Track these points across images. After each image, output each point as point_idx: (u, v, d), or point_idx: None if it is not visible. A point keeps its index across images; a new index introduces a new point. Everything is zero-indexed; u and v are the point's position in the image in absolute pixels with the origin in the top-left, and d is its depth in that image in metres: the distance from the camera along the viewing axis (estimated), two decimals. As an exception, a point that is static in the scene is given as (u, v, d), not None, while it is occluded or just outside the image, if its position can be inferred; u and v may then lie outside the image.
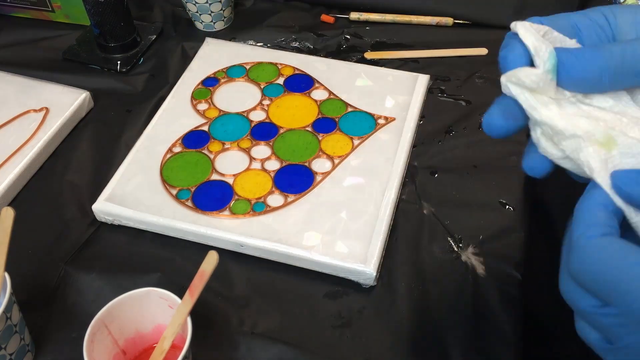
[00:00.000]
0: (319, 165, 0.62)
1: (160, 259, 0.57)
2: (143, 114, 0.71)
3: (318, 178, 0.61)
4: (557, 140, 0.33)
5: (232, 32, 0.82)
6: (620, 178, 0.31)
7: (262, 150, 0.64)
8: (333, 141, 0.64)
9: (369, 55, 0.77)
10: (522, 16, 0.78)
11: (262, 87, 0.70)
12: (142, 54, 0.78)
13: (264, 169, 0.62)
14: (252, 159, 0.63)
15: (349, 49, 0.78)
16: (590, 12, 0.35)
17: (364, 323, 0.52)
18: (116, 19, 0.74)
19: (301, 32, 0.81)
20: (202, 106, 0.68)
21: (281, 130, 0.65)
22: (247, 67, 0.73)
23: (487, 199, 0.60)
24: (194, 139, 0.65)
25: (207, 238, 0.57)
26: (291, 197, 0.59)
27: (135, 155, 0.64)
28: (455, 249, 0.57)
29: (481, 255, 0.56)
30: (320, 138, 0.65)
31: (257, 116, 0.67)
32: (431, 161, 0.64)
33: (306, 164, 0.62)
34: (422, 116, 0.69)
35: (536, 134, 0.34)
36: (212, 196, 0.59)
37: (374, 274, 0.53)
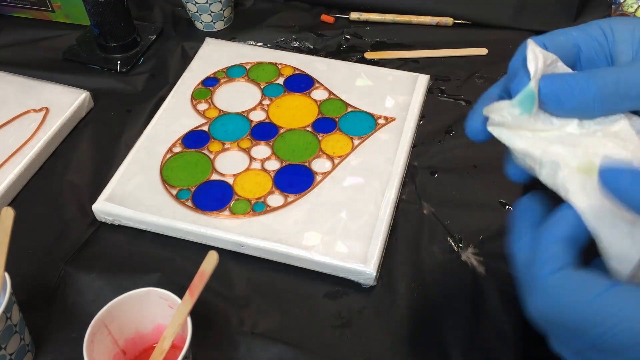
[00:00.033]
0: (319, 165, 0.62)
1: (160, 259, 0.57)
2: (143, 114, 0.71)
3: (318, 178, 0.61)
4: (535, 167, 0.34)
5: (232, 32, 0.82)
6: (609, 171, 0.30)
7: (262, 150, 0.64)
8: (333, 141, 0.64)
9: (369, 55, 0.77)
10: (522, 16, 0.79)
11: (262, 87, 0.70)
12: (142, 54, 0.78)
13: (264, 169, 0.62)
14: (252, 159, 0.63)
15: (349, 49, 0.78)
16: (588, 27, 0.36)
17: (364, 323, 0.52)
18: (116, 19, 0.74)
19: (301, 32, 0.81)
20: (202, 106, 0.68)
21: (281, 130, 0.65)
22: (247, 67, 0.73)
23: (487, 199, 0.60)
24: (194, 139, 0.65)
25: (207, 238, 0.57)
26: (291, 197, 0.59)
27: (135, 155, 0.64)
28: (455, 249, 0.57)
29: (481, 255, 0.56)
30: (320, 138, 0.65)
31: (257, 116, 0.67)
32: (431, 161, 0.64)
33: (306, 164, 0.62)
34: (422, 116, 0.69)
35: (516, 160, 0.35)
36: (212, 196, 0.59)
37: (374, 274, 0.53)
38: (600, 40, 0.35)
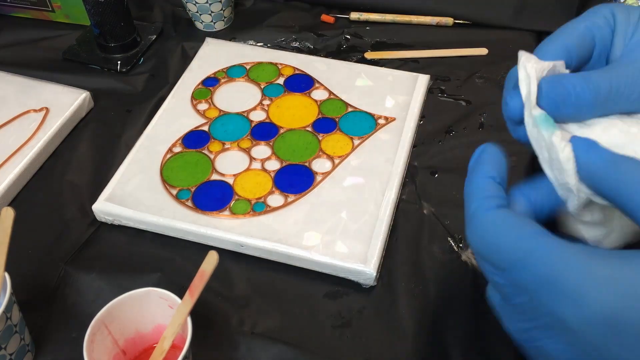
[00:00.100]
0: (319, 165, 0.62)
1: (160, 259, 0.57)
2: (143, 114, 0.71)
3: (318, 178, 0.61)
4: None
5: (232, 32, 0.82)
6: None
7: (262, 150, 0.64)
8: (333, 141, 0.64)
9: (369, 55, 0.77)
10: (522, 16, 0.79)
11: (262, 87, 0.70)
12: (142, 54, 0.78)
13: (264, 169, 0.62)
14: (252, 159, 0.63)
15: (349, 49, 0.78)
16: (595, 17, 0.37)
17: (364, 323, 0.52)
18: (116, 19, 0.74)
19: (301, 32, 0.81)
20: (202, 106, 0.68)
21: (281, 130, 0.65)
22: (247, 67, 0.73)
23: (487, 199, 0.60)
24: (194, 139, 0.65)
25: (207, 238, 0.57)
26: (291, 197, 0.59)
27: (135, 155, 0.64)
28: (455, 249, 0.57)
29: (481, 255, 0.56)
30: (320, 138, 0.65)
31: (257, 116, 0.67)
32: (431, 161, 0.64)
33: (306, 164, 0.62)
34: (422, 116, 0.69)
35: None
36: (212, 196, 0.59)
37: (374, 274, 0.53)
38: (606, 31, 0.36)
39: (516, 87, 0.35)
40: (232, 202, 0.59)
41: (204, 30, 0.82)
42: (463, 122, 0.68)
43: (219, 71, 0.72)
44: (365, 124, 0.66)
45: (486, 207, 0.34)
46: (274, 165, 0.62)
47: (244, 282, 0.55)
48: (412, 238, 0.58)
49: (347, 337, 0.52)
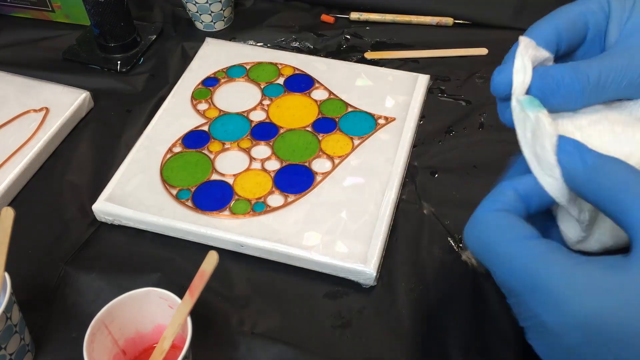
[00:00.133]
0: (319, 165, 0.62)
1: (160, 259, 0.57)
2: (143, 114, 0.71)
3: (318, 178, 0.61)
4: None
5: (232, 32, 0.82)
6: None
7: (262, 150, 0.64)
8: (333, 141, 0.64)
9: (369, 55, 0.77)
10: (522, 16, 0.79)
11: (262, 87, 0.70)
12: (142, 54, 0.78)
13: (264, 169, 0.62)
14: (252, 159, 0.63)
15: (349, 49, 0.78)
16: (590, 2, 0.37)
17: (364, 323, 0.52)
18: (116, 19, 0.74)
19: (301, 32, 0.81)
20: (202, 106, 0.68)
21: (281, 130, 0.65)
22: (247, 67, 0.73)
23: (487, 199, 0.60)
24: (194, 139, 0.65)
25: (207, 238, 0.57)
26: (291, 197, 0.59)
27: (135, 155, 0.64)
28: (455, 249, 0.57)
29: (481, 255, 0.56)
30: (320, 138, 0.65)
31: (257, 116, 0.67)
32: (431, 161, 0.64)
33: (306, 164, 0.62)
34: (422, 116, 0.69)
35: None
36: (212, 196, 0.59)
37: (374, 274, 0.53)
38: (600, 16, 0.37)
39: (506, 63, 0.35)
40: (232, 202, 0.59)
41: (204, 30, 0.82)
42: (463, 122, 0.68)
43: (219, 71, 0.72)
44: (365, 124, 0.66)
45: (487, 208, 0.34)
46: (274, 165, 0.62)
47: (244, 282, 0.55)
48: (412, 238, 0.58)
49: (347, 337, 0.52)
